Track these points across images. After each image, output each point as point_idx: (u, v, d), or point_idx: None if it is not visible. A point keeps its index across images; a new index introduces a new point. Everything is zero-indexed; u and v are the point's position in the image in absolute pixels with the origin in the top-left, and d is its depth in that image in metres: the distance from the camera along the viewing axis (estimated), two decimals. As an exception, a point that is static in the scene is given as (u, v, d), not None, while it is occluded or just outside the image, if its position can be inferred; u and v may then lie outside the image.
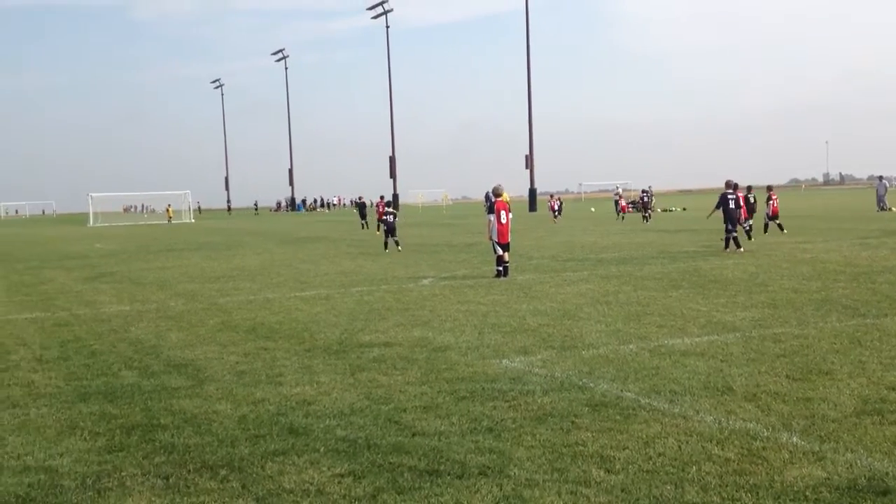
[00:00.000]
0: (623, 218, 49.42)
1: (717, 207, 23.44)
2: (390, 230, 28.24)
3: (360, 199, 61.38)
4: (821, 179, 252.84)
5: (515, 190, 47.76)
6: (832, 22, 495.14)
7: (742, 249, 22.67)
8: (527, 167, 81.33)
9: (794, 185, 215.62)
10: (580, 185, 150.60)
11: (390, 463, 5.96)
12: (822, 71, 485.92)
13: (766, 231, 31.12)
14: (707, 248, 24.42)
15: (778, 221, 31.40)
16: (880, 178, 56.58)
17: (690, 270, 18.25)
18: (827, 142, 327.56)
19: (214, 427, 7.07)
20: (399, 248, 27.91)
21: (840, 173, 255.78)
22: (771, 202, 31.47)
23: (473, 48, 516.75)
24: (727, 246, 22.95)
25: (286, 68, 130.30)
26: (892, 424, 6.46)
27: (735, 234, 22.99)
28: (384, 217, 28.92)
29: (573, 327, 11.37)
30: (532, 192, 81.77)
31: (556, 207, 52.09)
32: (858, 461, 5.66)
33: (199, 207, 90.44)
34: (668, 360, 9.02)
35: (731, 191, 23.69)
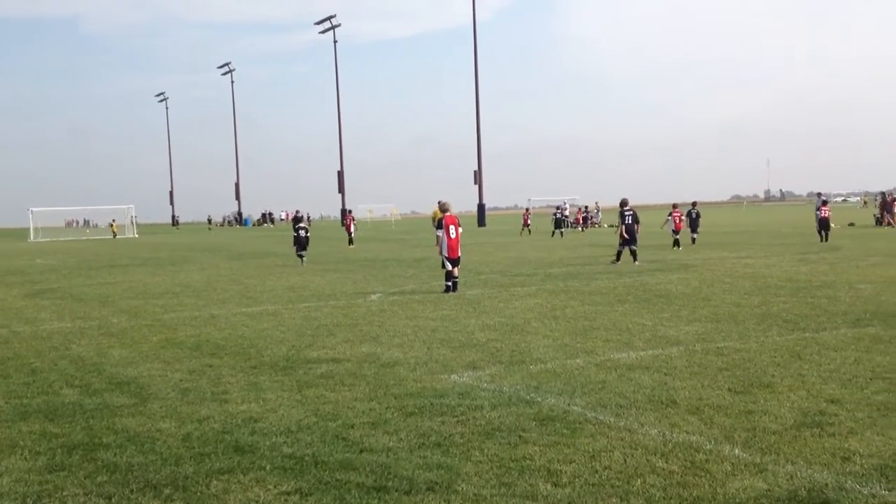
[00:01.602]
0: (562, 234, 49.83)
1: (622, 223, 25.13)
2: (300, 245, 28.72)
3: (297, 213, 61.34)
4: (762, 196, 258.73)
5: (464, 205, 48.21)
6: (772, 42, 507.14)
7: (637, 263, 24.17)
8: (475, 182, 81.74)
9: (736, 201, 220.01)
10: (528, 200, 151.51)
11: (337, 480, 5.93)
12: (764, 90, 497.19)
13: (675, 246, 32.13)
14: (653, 263, 24.77)
15: (677, 237, 32.60)
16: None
17: (636, 285, 18.50)
18: (768, 159, 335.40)
19: (158, 446, 6.96)
20: (303, 263, 28.50)
21: (781, 190, 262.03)
22: (671, 218, 32.74)
23: (423, 64, 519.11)
24: (618, 259, 24.81)
25: (232, 81, 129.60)
26: (831, 436, 6.61)
27: (634, 248, 24.69)
28: (296, 232, 29.32)
29: (521, 342, 11.44)
30: (481, 208, 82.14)
31: (528, 221, 53.15)
32: (799, 473, 5.78)
33: (132, 221, 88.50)
34: (615, 374, 9.13)
35: (627, 208, 25.39)
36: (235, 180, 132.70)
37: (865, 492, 5.38)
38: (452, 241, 18.39)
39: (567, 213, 69.60)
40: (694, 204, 36.67)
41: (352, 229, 44.29)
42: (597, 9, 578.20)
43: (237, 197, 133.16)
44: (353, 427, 7.29)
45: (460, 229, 18.95)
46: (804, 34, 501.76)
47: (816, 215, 35.72)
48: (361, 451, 6.57)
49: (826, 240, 33.99)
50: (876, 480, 5.58)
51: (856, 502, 5.21)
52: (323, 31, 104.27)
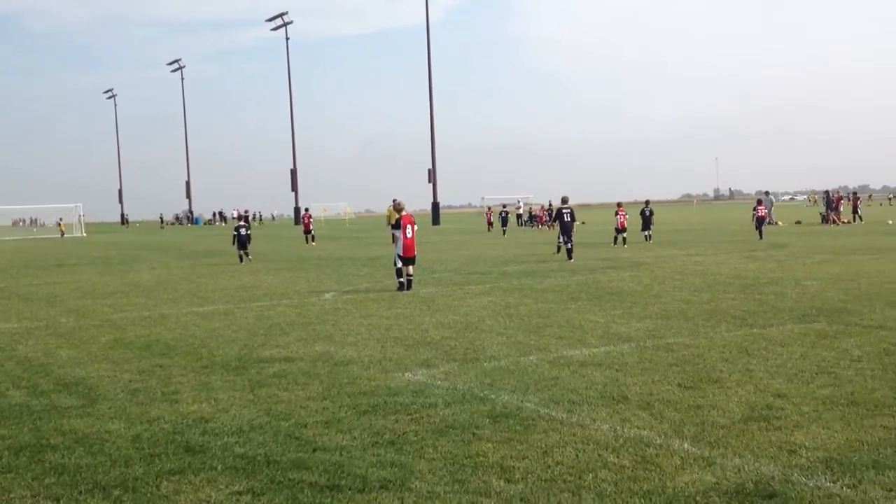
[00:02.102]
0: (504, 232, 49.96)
1: (554, 220, 26.20)
2: (241, 243, 29.04)
3: (245, 212, 60.94)
4: (712, 195, 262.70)
5: (418, 203, 48.13)
6: (724, 44, 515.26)
7: (572, 260, 24.81)
8: (429, 181, 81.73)
9: (687, 200, 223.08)
10: (482, 198, 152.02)
11: (290, 479, 5.90)
12: (716, 91, 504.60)
13: (615, 243, 32.75)
14: (605, 261, 25.01)
15: (624, 235, 33.18)
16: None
17: (589, 283, 18.66)
18: (717, 158, 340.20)
19: (107, 447, 6.85)
20: (249, 258, 29.10)
21: (730, 189, 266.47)
22: (619, 216, 33.40)
23: (378, 63, 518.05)
24: (558, 251, 25.92)
25: (182, 79, 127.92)
26: (777, 430, 6.74)
27: (570, 246, 25.41)
28: (236, 231, 29.61)
29: (475, 340, 11.48)
30: (435, 206, 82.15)
31: (491, 219, 53.17)
32: (746, 466, 5.89)
33: (80, 220, 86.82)
34: (567, 371, 9.20)
35: (565, 206, 26.24)
36: (186, 178, 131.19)
37: (811, 484, 5.49)
38: (408, 241, 18.39)
39: (521, 210, 70.02)
40: (647, 202, 37.16)
41: (311, 227, 44.24)
42: (553, 10, 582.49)
43: (188, 195, 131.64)
44: (306, 426, 7.25)
45: (416, 227, 18.96)
46: (756, 37, 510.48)
47: (753, 214, 36.97)
48: (314, 450, 6.54)
49: (761, 237, 34.80)
50: (821, 473, 5.71)
51: (801, 494, 5.32)
52: (275, 29, 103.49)
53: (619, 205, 35.02)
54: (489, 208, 58.38)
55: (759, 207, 36.64)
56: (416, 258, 19.20)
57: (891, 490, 5.34)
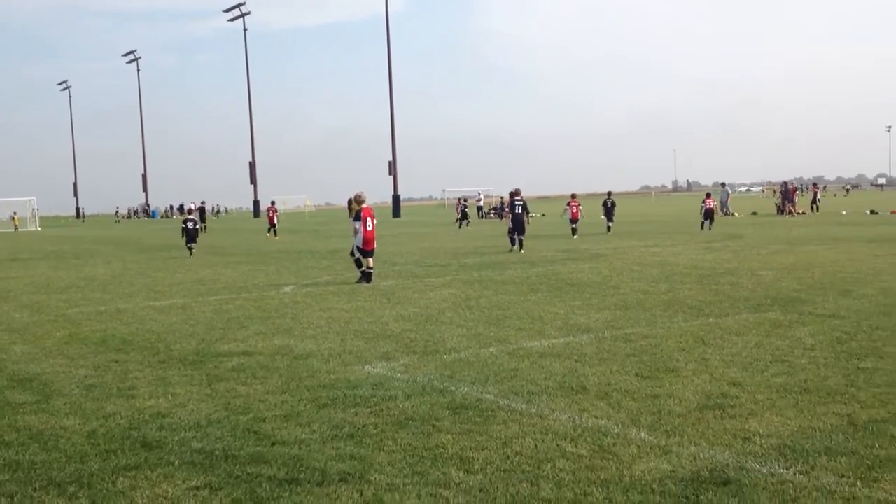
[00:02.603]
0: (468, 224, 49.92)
1: (510, 211, 26.48)
2: (189, 237, 29.15)
3: (202, 204, 60.61)
4: (670, 186, 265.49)
5: (379, 196, 47.86)
6: (686, 36, 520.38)
7: (523, 251, 25.36)
8: (390, 173, 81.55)
9: (645, 191, 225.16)
10: (443, 191, 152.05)
11: (248, 473, 5.86)
12: (675, 83, 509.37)
13: (574, 235, 33.30)
14: (565, 253, 25.17)
15: (575, 227, 33.96)
16: (723, 184, 60.17)
17: (549, 275, 18.77)
18: (675, 151, 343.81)
19: (62, 443, 6.75)
20: (191, 253, 28.95)
21: (688, 180, 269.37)
22: (570, 208, 33.96)
23: (338, 54, 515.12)
24: (513, 245, 25.93)
25: (138, 70, 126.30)
26: (732, 418, 6.85)
27: (521, 238, 25.90)
28: (184, 224, 29.83)
29: (435, 332, 11.49)
30: (395, 198, 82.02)
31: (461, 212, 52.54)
32: (701, 454, 5.97)
33: (34, 213, 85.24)
34: (527, 362, 9.25)
35: (517, 198, 26.69)
36: (142, 171, 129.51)
37: (764, 471, 5.59)
38: (369, 233, 18.35)
39: (481, 203, 70.10)
40: (609, 193, 37.58)
41: (275, 220, 44.02)
42: (515, 4, 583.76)
43: (144, 189, 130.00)
44: (264, 420, 7.21)
45: (375, 220, 18.93)
46: (717, 32, 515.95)
47: (702, 207, 37.73)
48: (273, 444, 6.51)
49: (710, 228, 35.88)
50: (774, 460, 5.81)
51: (755, 481, 5.41)
52: (232, 19, 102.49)
53: (572, 196, 35.41)
54: (459, 200, 57.25)
55: (708, 200, 37.52)
56: (376, 251, 19.17)
57: (842, 476, 5.45)
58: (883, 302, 12.80)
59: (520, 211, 26.16)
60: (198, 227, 29.73)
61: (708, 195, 38.66)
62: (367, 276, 18.17)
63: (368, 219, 18.49)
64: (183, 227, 29.63)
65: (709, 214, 36.83)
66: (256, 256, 28.82)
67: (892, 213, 45.45)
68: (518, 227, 26.02)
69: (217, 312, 14.26)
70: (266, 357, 10.05)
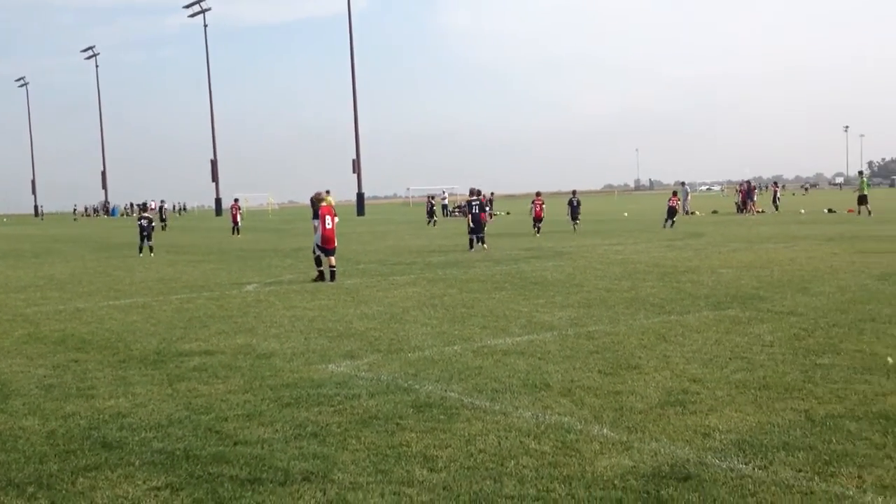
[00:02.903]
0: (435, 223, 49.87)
1: (469, 212, 26.82)
2: (145, 235, 29.05)
3: (162, 202, 60.01)
4: (633, 185, 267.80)
5: (344, 194, 47.54)
6: (652, 36, 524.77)
7: (486, 247, 26.03)
8: (354, 171, 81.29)
9: (609, 190, 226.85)
10: (408, 189, 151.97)
11: (210, 473, 5.81)
12: (639, 83, 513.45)
13: (538, 233, 33.46)
14: (529, 251, 25.28)
15: (539, 225, 33.66)
16: (683, 183, 60.91)
17: (513, 273, 18.84)
18: (637, 150, 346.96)
19: (21, 444, 6.65)
20: (152, 254, 28.62)
21: (650, 179, 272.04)
22: (533, 206, 34.38)
23: (303, 51, 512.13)
24: (471, 246, 26.09)
25: (97, 66, 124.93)
26: (693, 414, 6.93)
27: (482, 235, 26.29)
28: (138, 221, 29.81)
29: (400, 330, 11.48)
30: (360, 197, 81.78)
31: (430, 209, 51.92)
32: (662, 449, 6.04)
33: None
34: (491, 360, 9.28)
35: (474, 198, 27.23)
36: (102, 169, 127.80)
37: (724, 466, 5.66)
38: (328, 232, 18.29)
39: (446, 201, 70.11)
40: (574, 192, 37.84)
41: (238, 218, 43.70)
42: (482, 4, 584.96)
43: (104, 186, 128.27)
44: (226, 420, 7.15)
45: (336, 219, 18.88)
46: (680, 33, 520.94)
47: (667, 204, 38.56)
48: (235, 444, 6.46)
49: (672, 226, 36.56)
50: (734, 455, 5.88)
51: (715, 476, 5.47)
52: (192, 15, 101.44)
53: (537, 194, 35.70)
54: (430, 198, 56.42)
55: (673, 198, 38.55)
56: (338, 249, 19.10)
57: (800, 470, 5.54)
58: (840, 299, 13.03)
59: (477, 211, 26.62)
60: (152, 225, 29.63)
61: (674, 193, 39.62)
62: (330, 275, 18.11)
63: (328, 217, 18.42)
64: (139, 225, 29.55)
65: (672, 213, 37.43)
66: (219, 255, 28.58)
67: (849, 211, 46.26)
68: (477, 227, 26.44)
69: (178, 311, 14.12)
70: (228, 356, 9.98)
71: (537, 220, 34.39)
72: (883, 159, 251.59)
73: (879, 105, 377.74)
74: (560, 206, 36.46)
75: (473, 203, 26.96)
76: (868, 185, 47.35)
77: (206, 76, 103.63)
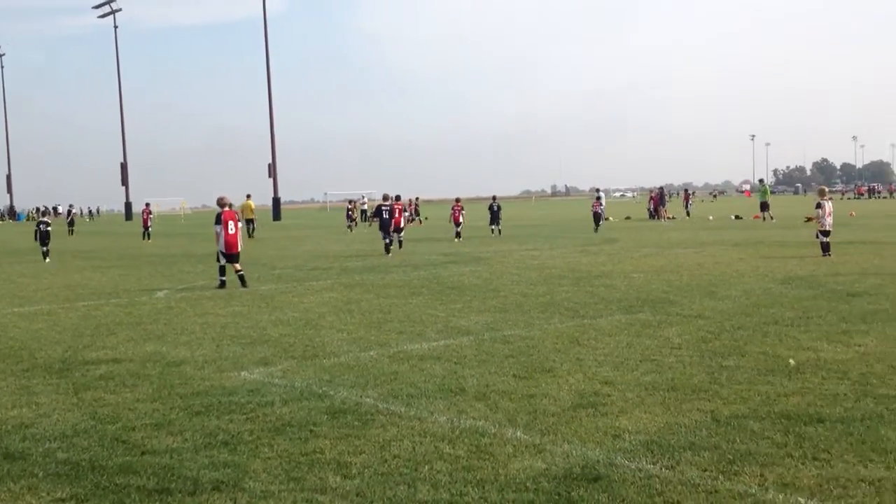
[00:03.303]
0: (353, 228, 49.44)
1: (375, 216, 27.52)
2: (41, 239, 28.89)
3: (70, 206, 58.42)
4: (549, 191, 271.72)
5: (259, 198, 46.67)
6: (567, 43, 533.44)
7: (391, 252, 26.28)
8: (270, 176, 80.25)
9: (526, 196, 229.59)
10: (325, 194, 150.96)
11: (116, 484, 5.66)
12: (555, 90, 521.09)
13: (457, 238, 34.03)
14: (447, 256, 25.37)
15: (458, 230, 34.62)
16: (597, 190, 62.09)
17: (430, 278, 18.87)
18: (555, 156, 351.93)
19: (-88, 459, 6.35)
20: (47, 259, 28.14)
21: (566, 185, 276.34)
22: (454, 211, 34.81)
23: (219, 54, 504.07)
24: (387, 251, 26.50)
25: (2, 66, 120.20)
26: (604, 416, 7.05)
27: (390, 240, 26.88)
28: (37, 227, 29.80)
29: (315, 336, 11.38)
30: (276, 201, 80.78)
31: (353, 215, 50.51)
32: (574, 451, 6.13)
33: None
34: (407, 365, 9.28)
35: (385, 203, 27.86)
36: (7, 172, 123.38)
37: (633, 466, 5.78)
38: (230, 237, 18.06)
39: (365, 206, 69.70)
40: (494, 198, 38.23)
41: (149, 223, 42.72)
42: (399, 8, 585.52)
43: (9, 190, 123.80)
44: (134, 429, 6.98)
45: (240, 224, 18.70)
46: (592, 40, 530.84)
47: (592, 210, 40.40)
48: (143, 454, 6.31)
49: (596, 231, 37.92)
50: (642, 455, 6.02)
51: (624, 476, 5.59)
52: (102, 16, 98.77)
53: (457, 200, 35.99)
54: (352, 202, 55.06)
55: (596, 203, 40.18)
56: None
57: (705, 470, 5.69)
58: (745, 303, 13.45)
59: (386, 216, 27.31)
60: (49, 229, 29.18)
61: (597, 199, 40.86)
62: (241, 281, 17.87)
63: (230, 222, 18.18)
64: (36, 230, 29.30)
65: (597, 217, 39.04)
66: (129, 260, 27.86)
67: (755, 217, 47.79)
68: (386, 232, 27.12)
69: (85, 318, 13.70)
70: (136, 364, 9.73)
71: (456, 224, 34.66)
72: (787, 167, 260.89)
73: (784, 115, 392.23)
74: (482, 212, 36.77)
75: (384, 208, 27.63)
76: (769, 192, 49.38)
77: (117, 78, 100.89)
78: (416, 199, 60.98)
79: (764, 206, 45.85)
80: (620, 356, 9.48)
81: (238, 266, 18.09)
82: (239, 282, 17.80)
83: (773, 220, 43.29)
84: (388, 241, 27.02)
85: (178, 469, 5.93)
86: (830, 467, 5.67)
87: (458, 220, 34.71)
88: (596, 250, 26.37)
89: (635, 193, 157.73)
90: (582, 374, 8.60)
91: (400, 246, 28.35)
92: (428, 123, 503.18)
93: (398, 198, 29.32)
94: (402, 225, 28.93)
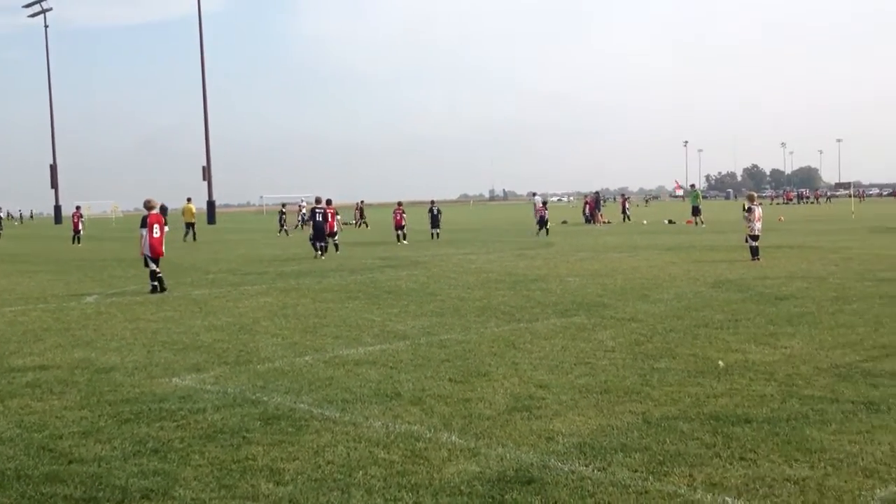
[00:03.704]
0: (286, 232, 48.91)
1: (309, 220, 28.06)
2: None
3: None
4: (487, 195, 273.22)
5: (193, 202, 45.54)
6: (510, 45, 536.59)
7: (323, 257, 26.60)
8: (204, 179, 79.14)
9: (464, 200, 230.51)
10: (261, 197, 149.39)
11: (42, 494, 5.51)
12: (493, 91, 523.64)
13: (398, 241, 34.41)
14: (384, 260, 25.31)
15: (398, 233, 35.14)
16: (534, 194, 62.82)
17: (367, 282, 18.81)
18: (492, 160, 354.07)
19: None
20: None
21: (503, 190, 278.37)
22: (395, 215, 35.19)
23: (155, 54, 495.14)
24: (317, 251, 26.96)
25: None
26: (538, 419, 7.11)
27: (325, 244, 27.31)
28: None
29: (249, 341, 11.25)
30: (210, 205, 79.66)
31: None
32: (508, 454, 6.17)
33: None
34: (342, 370, 9.22)
35: (319, 206, 28.16)
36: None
37: (566, 469, 5.84)
38: (155, 240, 17.83)
39: (304, 210, 69.08)
40: (433, 202, 38.43)
41: (79, 227, 41.75)
42: (341, 8, 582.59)
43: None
44: (61, 437, 6.80)
45: (166, 228, 18.48)
46: (535, 43, 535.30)
47: (535, 214, 41.33)
48: (70, 462, 6.15)
49: (546, 234, 38.77)
50: (575, 457, 6.08)
51: (557, 479, 5.64)
52: (32, 15, 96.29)
53: (399, 204, 36.12)
54: (299, 206, 53.98)
55: (541, 208, 40.93)
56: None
57: (636, 471, 5.78)
58: (677, 306, 13.70)
59: (320, 219, 27.54)
60: None
61: (544, 203, 41.60)
62: (158, 282, 17.64)
63: (156, 225, 17.95)
64: None
65: (543, 221, 39.91)
66: (57, 265, 27.16)
67: (688, 223, 48.73)
68: (318, 235, 27.36)
69: (11, 324, 13.32)
70: (64, 371, 9.49)
71: (397, 227, 34.81)
72: (719, 173, 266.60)
73: (715, 122, 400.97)
74: (423, 215, 36.88)
75: (317, 211, 27.87)
76: (700, 197, 50.51)
77: (47, 77, 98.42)
78: (362, 202, 60.74)
79: (696, 211, 46.93)
80: (555, 359, 9.56)
81: (156, 266, 17.87)
82: (155, 286, 17.57)
83: (704, 225, 44.26)
84: (323, 244, 27.25)
85: (107, 478, 5.80)
86: (757, 467, 5.81)
87: (401, 223, 34.85)
88: (532, 254, 26.58)
89: (571, 198, 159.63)
90: (517, 378, 8.65)
91: (336, 249, 28.58)
92: (375, 125, 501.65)
93: (329, 202, 29.25)
94: (335, 229, 29.08)
